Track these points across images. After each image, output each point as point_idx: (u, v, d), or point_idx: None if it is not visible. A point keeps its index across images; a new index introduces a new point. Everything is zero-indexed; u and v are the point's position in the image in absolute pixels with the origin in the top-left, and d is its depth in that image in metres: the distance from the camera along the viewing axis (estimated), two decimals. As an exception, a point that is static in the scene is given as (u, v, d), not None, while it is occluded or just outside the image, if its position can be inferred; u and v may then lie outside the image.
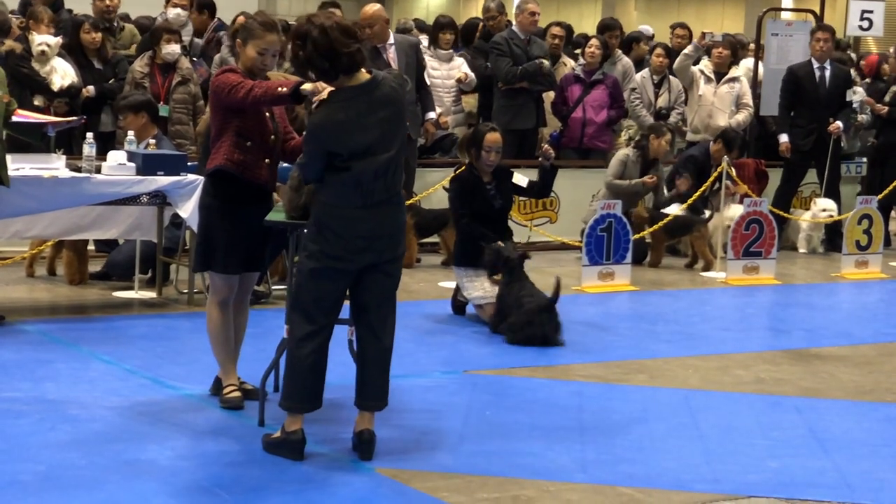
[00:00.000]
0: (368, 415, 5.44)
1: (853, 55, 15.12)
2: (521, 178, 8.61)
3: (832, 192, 12.21)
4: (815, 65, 12.12)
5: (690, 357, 7.70)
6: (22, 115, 7.90)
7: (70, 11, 12.01)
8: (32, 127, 8.05)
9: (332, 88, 5.27)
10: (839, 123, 12.06)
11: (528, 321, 7.75)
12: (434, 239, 10.78)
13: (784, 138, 12.07)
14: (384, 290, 5.42)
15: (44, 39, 9.67)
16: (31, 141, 8.18)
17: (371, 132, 5.22)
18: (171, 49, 9.97)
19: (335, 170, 5.23)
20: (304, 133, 5.32)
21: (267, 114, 5.96)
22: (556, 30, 12.54)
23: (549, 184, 8.70)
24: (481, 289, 8.32)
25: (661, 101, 12.49)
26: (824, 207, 12.03)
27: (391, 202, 5.33)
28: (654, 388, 6.90)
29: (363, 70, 5.28)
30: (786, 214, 11.97)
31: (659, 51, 12.71)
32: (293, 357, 5.35)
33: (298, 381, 5.34)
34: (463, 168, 8.59)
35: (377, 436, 5.44)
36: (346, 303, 5.45)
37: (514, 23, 12.05)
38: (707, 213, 11.05)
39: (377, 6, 10.47)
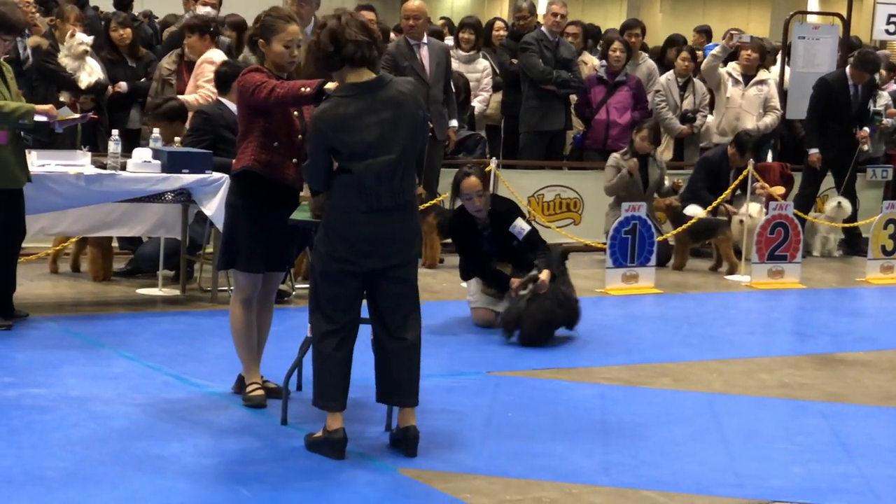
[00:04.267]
0: (410, 410, 5.46)
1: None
2: (521, 227, 7.95)
3: (849, 193, 12.12)
4: (850, 81, 12.02)
5: (714, 361, 7.67)
6: None
7: (96, 9, 12.05)
8: (38, 123, 8.01)
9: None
10: (867, 130, 12.02)
11: None
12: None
13: (815, 150, 11.95)
14: (397, 295, 5.41)
15: (84, 39, 9.70)
16: (39, 137, 8.15)
17: (371, 131, 5.21)
18: (198, 46, 9.93)
19: (339, 172, 5.25)
20: (307, 130, 5.31)
21: (295, 112, 5.95)
22: (572, 28, 12.49)
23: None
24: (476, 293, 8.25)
25: (686, 104, 12.43)
26: (839, 202, 11.91)
27: (400, 207, 5.32)
28: (678, 392, 6.87)
29: (369, 70, 5.28)
30: (808, 217, 11.88)
31: (684, 54, 12.65)
32: (319, 355, 5.36)
33: (326, 378, 5.36)
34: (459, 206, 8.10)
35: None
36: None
37: (542, 24, 12.05)
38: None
39: (420, 1, 10.45)
